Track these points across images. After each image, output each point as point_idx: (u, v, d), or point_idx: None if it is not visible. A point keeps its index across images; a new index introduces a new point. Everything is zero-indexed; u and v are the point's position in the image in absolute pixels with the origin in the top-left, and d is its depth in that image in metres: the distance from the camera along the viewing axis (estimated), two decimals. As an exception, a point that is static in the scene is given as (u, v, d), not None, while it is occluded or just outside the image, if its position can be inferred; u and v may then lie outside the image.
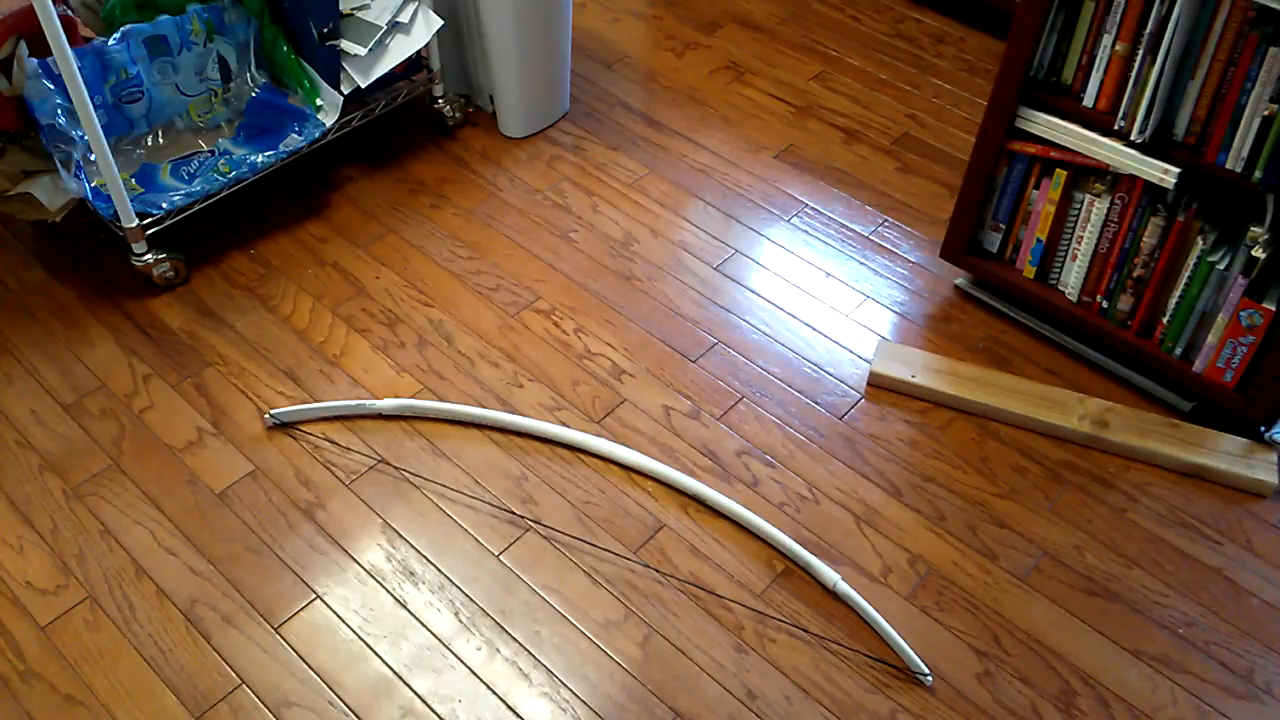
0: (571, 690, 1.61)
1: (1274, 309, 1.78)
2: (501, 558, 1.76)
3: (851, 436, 1.96)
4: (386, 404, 1.94)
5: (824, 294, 2.22)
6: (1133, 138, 1.80)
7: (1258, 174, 1.70)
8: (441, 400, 1.98)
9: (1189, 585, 1.76)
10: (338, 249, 2.27)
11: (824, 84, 2.74)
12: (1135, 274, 1.94)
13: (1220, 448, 1.91)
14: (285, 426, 1.92)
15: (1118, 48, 1.78)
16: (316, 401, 1.97)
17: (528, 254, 2.28)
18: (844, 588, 1.70)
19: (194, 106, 2.19)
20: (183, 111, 2.19)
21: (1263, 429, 1.93)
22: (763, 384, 2.04)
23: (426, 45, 2.34)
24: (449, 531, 1.80)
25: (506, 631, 1.67)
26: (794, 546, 1.75)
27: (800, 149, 2.55)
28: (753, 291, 2.22)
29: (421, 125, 2.57)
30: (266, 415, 1.92)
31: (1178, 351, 1.95)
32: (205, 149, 2.22)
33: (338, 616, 1.68)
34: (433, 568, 1.75)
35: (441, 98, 2.50)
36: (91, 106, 1.89)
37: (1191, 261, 1.85)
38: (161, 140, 2.19)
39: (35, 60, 1.92)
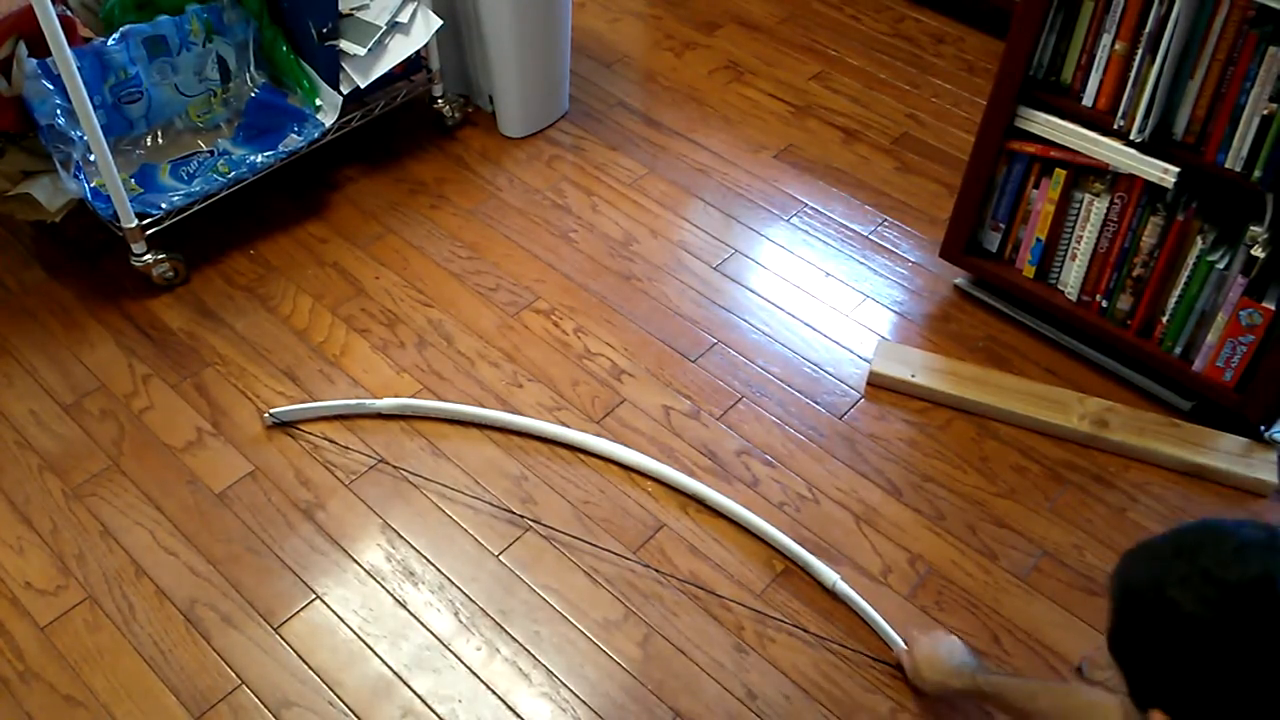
0: (571, 690, 1.61)
1: (1273, 308, 1.78)
2: (501, 558, 1.76)
3: (851, 436, 1.96)
4: (386, 404, 1.94)
5: (824, 294, 2.22)
6: (1132, 137, 1.80)
7: (1257, 173, 1.70)
8: (441, 400, 1.98)
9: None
10: (337, 249, 2.27)
11: (823, 84, 2.74)
12: (1135, 273, 1.94)
13: (1220, 447, 1.91)
14: (284, 426, 1.92)
15: (1117, 47, 1.78)
16: (316, 401, 1.97)
17: (527, 254, 2.28)
18: (843, 588, 1.70)
19: (193, 107, 2.19)
20: (182, 112, 2.18)
21: (1262, 428, 1.93)
22: (762, 384, 2.04)
23: (426, 45, 2.33)
24: (449, 531, 1.80)
25: (506, 631, 1.67)
26: (793, 546, 1.75)
27: (800, 149, 2.55)
28: (752, 291, 2.22)
29: (421, 125, 2.57)
30: (266, 415, 1.92)
31: (1177, 351, 1.95)
32: (205, 149, 2.22)
33: (338, 616, 1.68)
34: (432, 568, 1.75)
35: (441, 98, 2.50)
36: (91, 107, 1.89)
37: (1191, 261, 1.85)
38: (161, 140, 2.19)
39: (35, 60, 1.92)
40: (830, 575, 1.71)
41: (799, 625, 1.68)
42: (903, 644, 1.63)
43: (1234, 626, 0.90)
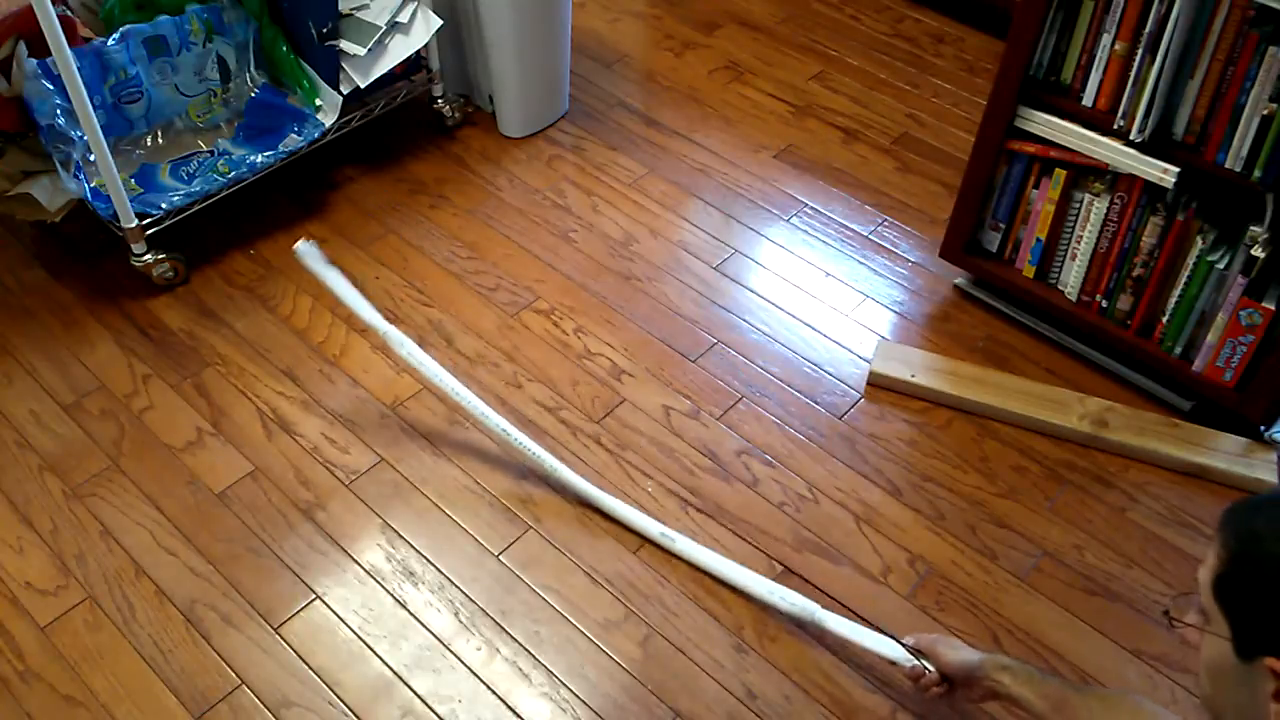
0: (571, 690, 1.60)
1: (1273, 308, 1.78)
2: (501, 558, 1.76)
3: (851, 436, 1.96)
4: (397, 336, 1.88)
5: (823, 294, 2.22)
6: (1132, 137, 1.80)
7: (1257, 173, 1.70)
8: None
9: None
10: (338, 249, 2.27)
11: (823, 84, 2.74)
12: (1135, 273, 1.94)
13: (1220, 447, 1.91)
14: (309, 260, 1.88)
15: (1117, 47, 1.78)
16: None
17: (527, 254, 2.28)
18: (821, 616, 1.63)
19: (193, 107, 2.19)
20: (182, 112, 2.18)
21: (1262, 428, 1.93)
22: (762, 384, 2.04)
23: (426, 45, 2.33)
24: (449, 531, 1.80)
25: (506, 631, 1.67)
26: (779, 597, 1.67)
27: (799, 149, 2.55)
28: (752, 291, 2.22)
29: (421, 125, 2.57)
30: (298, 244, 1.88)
31: (1177, 351, 1.95)
32: (205, 149, 2.22)
33: (337, 616, 1.68)
34: (432, 568, 1.75)
35: (441, 98, 2.50)
36: (91, 107, 1.89)
37: (1191, 261, 1.85)
38: (161, 140, 2.19)
39: (35, 60, 1.92)
40: (810, 606, 1.64)
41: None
42: (909, 655, 1.52)
43: None
